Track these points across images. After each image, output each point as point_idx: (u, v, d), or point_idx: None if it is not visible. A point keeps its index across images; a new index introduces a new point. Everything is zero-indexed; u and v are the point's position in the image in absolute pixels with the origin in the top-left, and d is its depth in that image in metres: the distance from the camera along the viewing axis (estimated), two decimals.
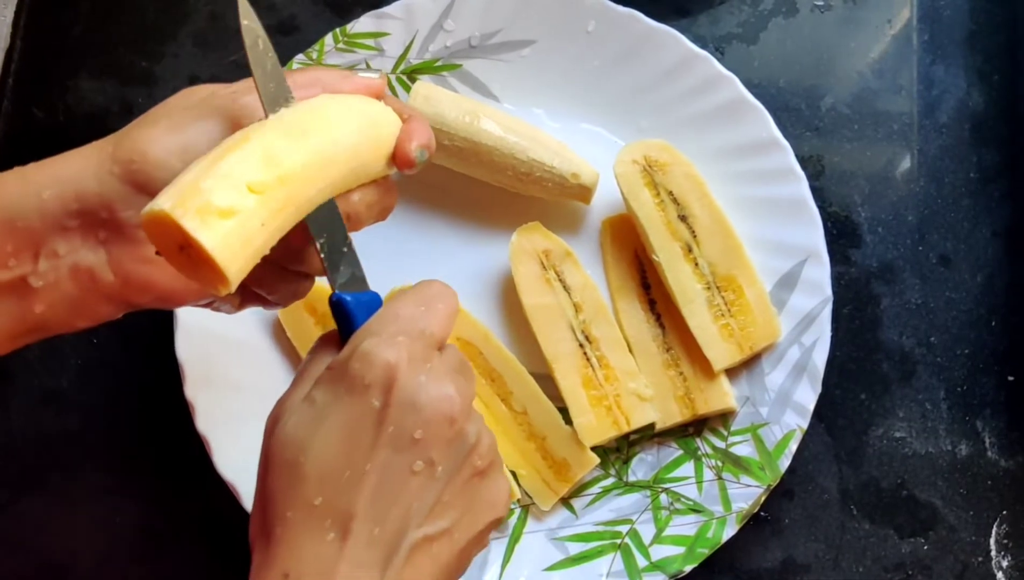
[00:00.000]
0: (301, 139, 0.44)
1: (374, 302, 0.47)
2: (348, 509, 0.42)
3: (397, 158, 0.49)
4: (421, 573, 0.43)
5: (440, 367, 0.44)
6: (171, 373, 0.63)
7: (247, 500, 0.62)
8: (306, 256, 0.49)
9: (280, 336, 0.66)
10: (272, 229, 0.43)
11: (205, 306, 0.51)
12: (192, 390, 0.63)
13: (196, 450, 0.62)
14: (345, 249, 0.48)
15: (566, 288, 0.64)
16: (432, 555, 0.43)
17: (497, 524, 0.46)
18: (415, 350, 0.43)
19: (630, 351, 0.65)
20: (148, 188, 0.45)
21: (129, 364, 0.68)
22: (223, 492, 0.62)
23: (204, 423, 0.62)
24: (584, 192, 0.65)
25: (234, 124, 0.46)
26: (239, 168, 0.42)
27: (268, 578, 0.42)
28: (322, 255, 0.47)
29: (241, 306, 0.52)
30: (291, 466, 0.42)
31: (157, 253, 0.42)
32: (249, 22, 0.47)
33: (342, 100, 0.47)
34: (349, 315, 0.46)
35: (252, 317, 0.66)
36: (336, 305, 0.46)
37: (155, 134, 0.46)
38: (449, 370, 0.44)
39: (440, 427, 0.43)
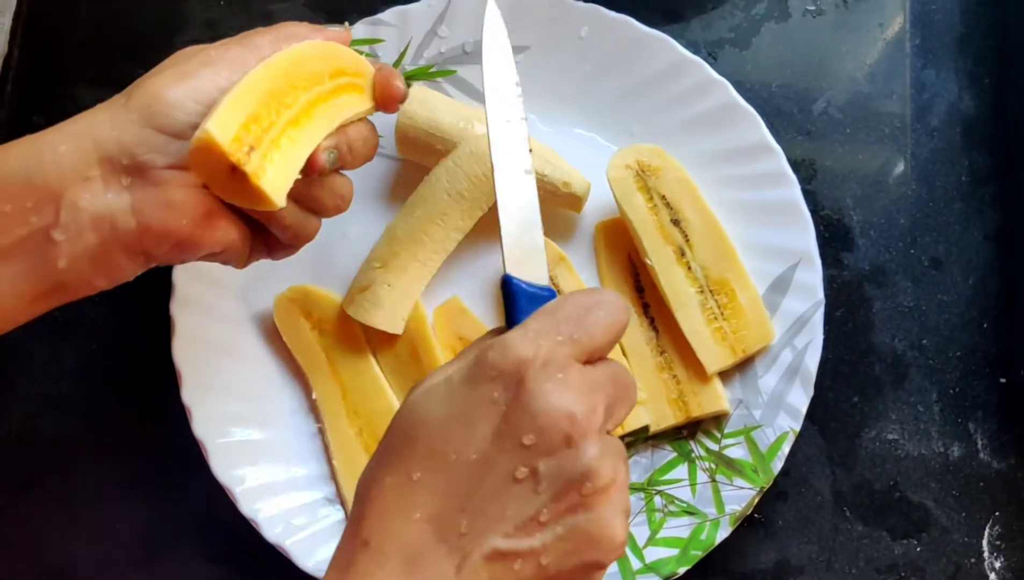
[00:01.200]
0: (290, 73, 0.50)
1: (544, 294, 0.48)
2: (442, 492, 0.42)
3: (381, 93, 0.54)
4: None
5: (575, 380, 0.42)
6: (169, 378, 0.64)
7: (243, 504, 0.62)
8: (315, 190, 0.53)
9: (276, 341, 0.66)
10: (297, 150, 0.49)
11: (216, 259, 0.52)
12: (189, 395, 0.63)
13: (194, 454, 0.63)
14: (537, 240, 0.49)
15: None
16: (514, 571, 0.41)
17: (599, 568, 0.43)
18: (554, 354, 0.42)
19: (624, 354, 0.65)
20: (168, 128, 0.48)
21: (127, 369, 0.68)
22: (220, 496, 0.62)
23: (201, 427, 0.63)
24: (575, 201, 0.66)
25: (230, 72, 0.49)
26: (256, 97, 0.48)
27: (350, 541, 0.43)
28: (503, 231, 0.49)
29: (249, 259, 0.54)
30: (406, 434, 0.43)
31: (204, 185, 0.48)
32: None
33: (318, 43, 0.53)
34: (514, 297, 0.47)
35: (248, 322, 0.66)
36: (505, 283, 0.47)
37: (165, 79, 0.49)
38: (586, 385, 0.43)
39: (553, 440, 0.41)
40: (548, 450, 0.41)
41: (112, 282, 0.50)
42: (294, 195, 0.51)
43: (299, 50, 0.51)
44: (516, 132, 0.52)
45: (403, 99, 0.55)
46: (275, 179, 0.48)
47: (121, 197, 0.48)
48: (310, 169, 0.51)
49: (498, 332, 0.47)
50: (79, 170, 0.47)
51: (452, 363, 0.45)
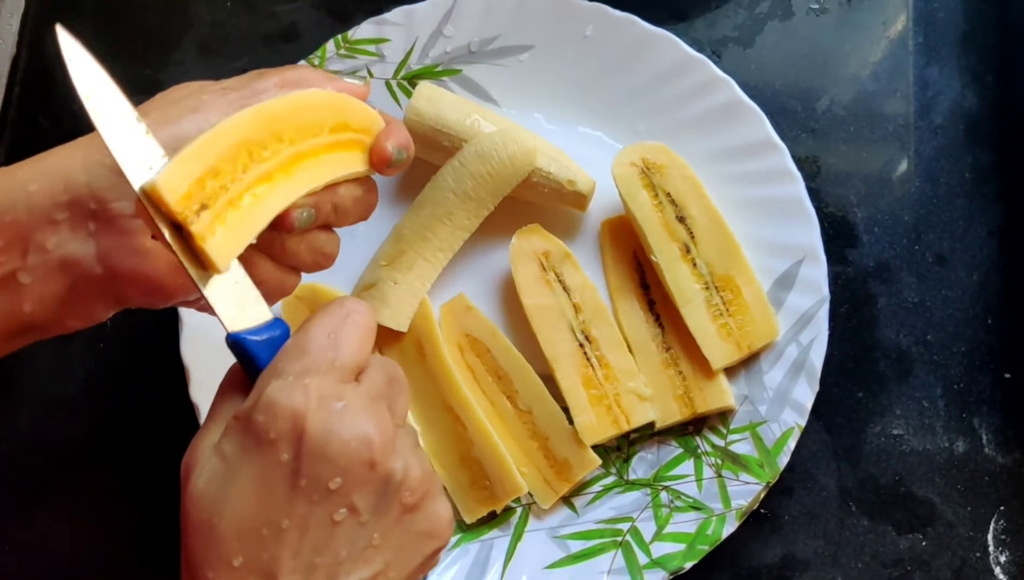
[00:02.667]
0: (278, 122, 0.45)
1: (278, 334, 0.44)
2: (270, 566, 0.40)
3: (374, 154, 0.49)
4: None
5: (355, 402, 0.41)
6: (176, 378, 0.64)
7: None
8: (293, 246, 0.49)
9: None
10: (260, 211, 0.44)
11: (192, 305, 0.51)
12: (197, 393, 0.64)
13: None
14: (241, 281, 0.45)
15: (566, 289, 0.65)
16: None
17: (440, 551, 0.44)
18: (324, 389, 0.40)
19: (629, 351, 0.65)
20: None
21: (135, 371, 0.69)
22: None
23: None
24: (580, 199, 0.66)
25: (222, 116, 0.45)
26: (221, 149, 0.43)
27: None
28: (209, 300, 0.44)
29: None
30: (206, 526, 0.40)
31: (153, 237, 0.43)
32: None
33: (324, 93, 0.48)
34: (251, 357, 0.43)
35: None
36: (234, 346, 0.43)
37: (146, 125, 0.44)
38: (367, 402, 0.41)
39: (359, 473, 0.40)
40: (357, 483, 0.40)
41: (86, 324, 0.48)
42: (270, 250, 0.48)
43: (299, 97, 0.47)
44: None
45: (396, 163, 0.50)
46: (223, 244, 0.43)
47: (87, 244, 0.45)
48: (279, 226, 0.46)
49: (234, 382, 0.44)
50: (47, 211, 0.45)
51: (208, 431, 0.42)
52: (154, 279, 0.46)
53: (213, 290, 0.43)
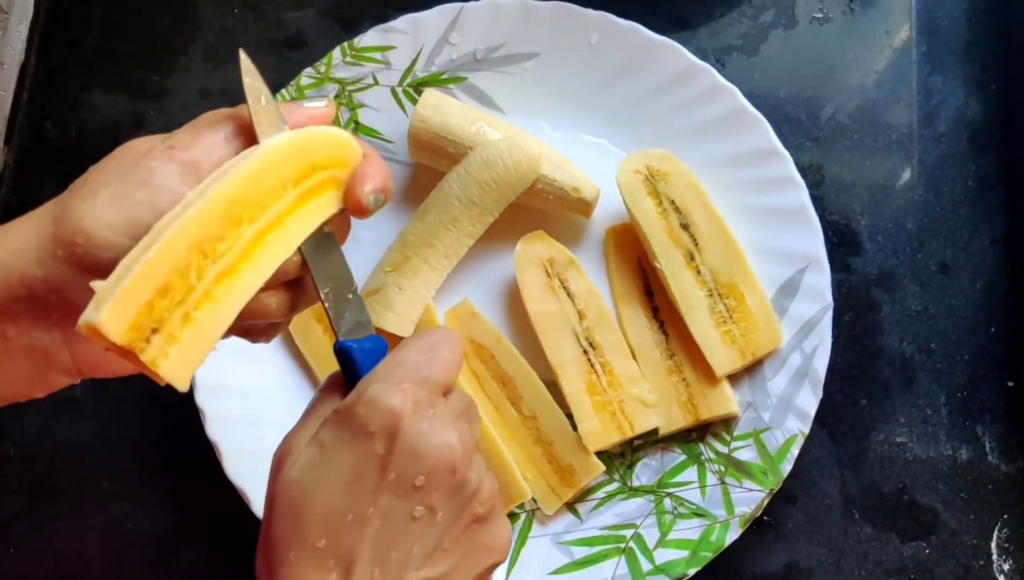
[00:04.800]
0: (234, 205, 0.42)
1: (379, 347, 0.47)
2: (350, 551, 0.42)
3: (349, 202, 0.46)
4: None
5: (444, 414, 0.44)
6: None
7: (257, 505, 0.62)
8: (264, 310, 0.47)
9: (289, 344, 0.67)
10: (219, 316, 0.42)
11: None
12: (203, 397, 0.64)
13: (206, 456, 0.63)
14: (351, 296, 0.48)
15: (570, 295, 0.65)
16: None
17: (495, 567, 0.46)
18: (419, 397, 0.43)
19: (633, 357, 0.65)
20: (96, 270, 0.42)
21: (141, 374, 0.69)
22: (233, 498, 0.63)
23: (214, 429, 0.63)
24: (584, 206, 0.66)
25: (173, 184, 0.43)
26: (169, 263, 0.41)
27: None
28: (327, 304, 0.47)
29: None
30: (296, 509, 0.43)
31: (106, 349, 0.40)
32: (252, 80, 0.46)
33: (281, 144, 0.44)
34: (354, 362, 0.46)
35: None
36: (341, 353, 0.47)
37: (96, 209, 0.43)
38: (453, 416, 0.44)
39: (441, 475, 0.43)
40: (439, 484, 0.43)
41: (51, 391, 0.48)
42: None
43: (254, 166, 0.43)
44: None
45: (374, 209, 0.47)
46: (178, 365, 0.41)
47: (51, 333, 0.45)
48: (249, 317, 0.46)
49: (336, 384, 0.47)
50: (5, 306, 0.44)
51: (305, 426, 0.45)
52: (122, 365, 0.44)
53: (329, 302, 0.47)
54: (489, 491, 0.45)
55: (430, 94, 0.67)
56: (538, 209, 0.67)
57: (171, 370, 0.41)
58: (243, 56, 0.46)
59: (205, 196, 0.42)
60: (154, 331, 0.41)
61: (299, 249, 0.46)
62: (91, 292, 0.40)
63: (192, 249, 0.41)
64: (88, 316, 0.39)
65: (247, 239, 0.43)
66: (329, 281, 0.47)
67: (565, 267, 0.66)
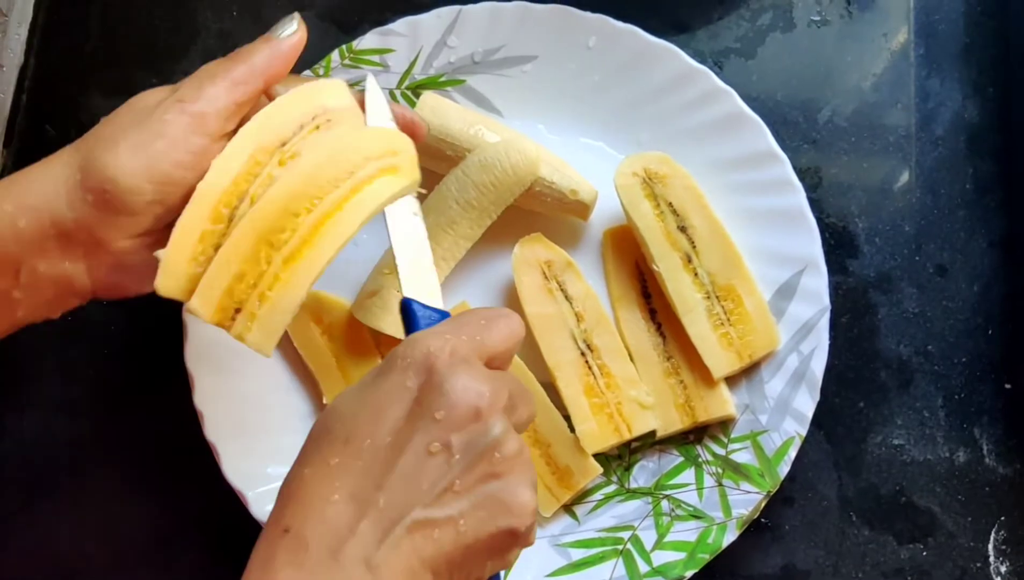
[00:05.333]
0: (294, 200, 0.51)
1: (440, 315, 0.52)
2: (359, 473, 0.43)
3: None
4: (420, 553, 0.43)
5: (480, 368, 0.46)
6: (180, 382, 0.65)
7: (254, 506, 0.63)
8: None
9: (287, 346, 0.67)
10: (289, 295, 0.50)
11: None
12: (201, 399, 0.64)
13: (205, 458, 0.64)
14: (430, 272, 0.54)
15: (568, 298, 0.65)
16: (434, 539, 0.43)
17: (513, 538, 0.45)
18: (460, 348, 0.45)
19: (631, 359, 0.65)
20: (125, 211, 0.50)
21: (139, 374, 0.69)
22: (231, 499, 0.63)
23: (212, 431, 0.64)
24: (582, 208, 0.66)
25: (187, 135, 0.50)
26: (241, 253, 0.50)
27: (270, 531, 0.44)
28: (400, 263, 0.53)
29: None
30: (324, 430, 0.45)
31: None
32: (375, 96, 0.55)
33: (342, 146, 0.52)
34: (414, 318, 0.51)
35: None
36: (404, 307, 0.51)
37: (120, 159, 0.49)
38: (492, 375, 0.46)
39: (462, 414, 0.44)
40: (459, 423, 0.44)
41: (64, 311, 0.54)
42: None
43: (310, 168, 0.51)
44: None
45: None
46: (260, 336, 0.51)
47: (77, 265, 0.51)
48: None
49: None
50: (37, 242, 0.50)
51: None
52: (136, 290, 0.53)
53: (401, 260, 0.53)
54: (513, 450, 0.45)
55: (428, 97, 0.67)
56: (536, 211, 0.68)
57: (255, 341, 0.50)
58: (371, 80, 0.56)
59: (266, 197, 0.50)
60: (237, 310, 0.50)
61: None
62: (120, 230, 0.49)
63: (259, 241, 0.50)
64: (189, 302, 0.50)
65: (307, 227, 0.50)
66: (406, 245, 0.54)
67: (563, 269, 0.66)
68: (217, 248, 0.50)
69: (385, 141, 0.53)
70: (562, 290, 0.65)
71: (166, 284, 0.50)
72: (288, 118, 0.52)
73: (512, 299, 0.67)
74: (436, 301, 0.53)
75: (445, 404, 0.44)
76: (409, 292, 0.52)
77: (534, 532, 0.47)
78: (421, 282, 0.53)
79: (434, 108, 0.66)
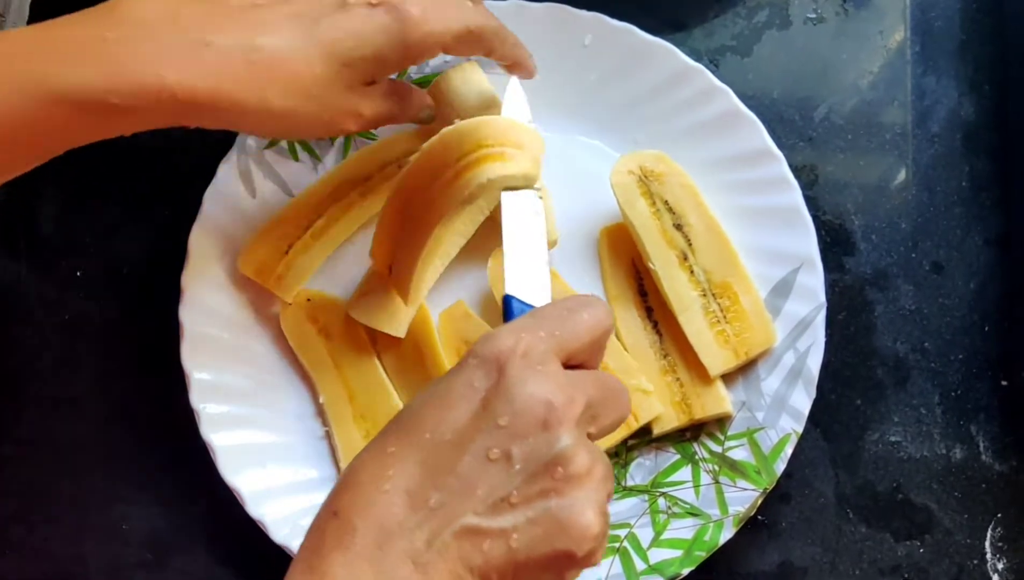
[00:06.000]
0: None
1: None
2: (414, 466, 0.42)
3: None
4: (468, 561, 0.41)
5: (554, 373, 0.43)
6: (178, 381, 0.65)
7: (251, 506, 0.63)
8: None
9: (283, 345, 0.67)
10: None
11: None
12: (197, 398, 0.64)
13: (202, 457, 0.64)
14: (542, 270, 0.53)
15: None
16: (483, 550, 0.41)
17: (570, 561, 0.42)
18: (534, 346, 0.43)
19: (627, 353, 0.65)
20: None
21: (137, 373, 0.69)
22: (229, 498, 0.63)
23: (209, 430, 0.64)
24: None
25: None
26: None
27: (322, 512, 0.43)
28: (507, 258, 0.53)
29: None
30: (394, 419, 0.45)
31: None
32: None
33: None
34: (510, 315, 0.50)
35: (256, 326, 0.67)
36: (505, 303, 0.51)
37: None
38: (567, 380, 0.44)
39: (527, 423, 0.42)
40: (523, 432, 0.42)
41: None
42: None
43: (424, 149, 0.59)
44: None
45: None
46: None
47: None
48: None
49: None
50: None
51: None
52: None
53: (508, 255, 0.53)
54: (582, 468, 0.42)
55: (470, 67, 0.66)
56: None
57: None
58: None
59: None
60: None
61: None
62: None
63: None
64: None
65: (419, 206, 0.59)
66: (518, 239, 0.54)
67: None
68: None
69: (503, 130, 0.57)
70: None
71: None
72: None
73: (495, 314, 0.67)
74: (540, 298, 0.52)
75: (510, 411, 0.42)
76: (512, 289, 0.52)
77: (599, 555, 0.44)
78: (527, 279, 0.52)
79: (465, 78, 0.66)
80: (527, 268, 0.53)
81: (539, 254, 0.54)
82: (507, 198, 0.56)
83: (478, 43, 0.57)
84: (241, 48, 0.48)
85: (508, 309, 0.51)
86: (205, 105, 0.49)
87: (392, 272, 0.62)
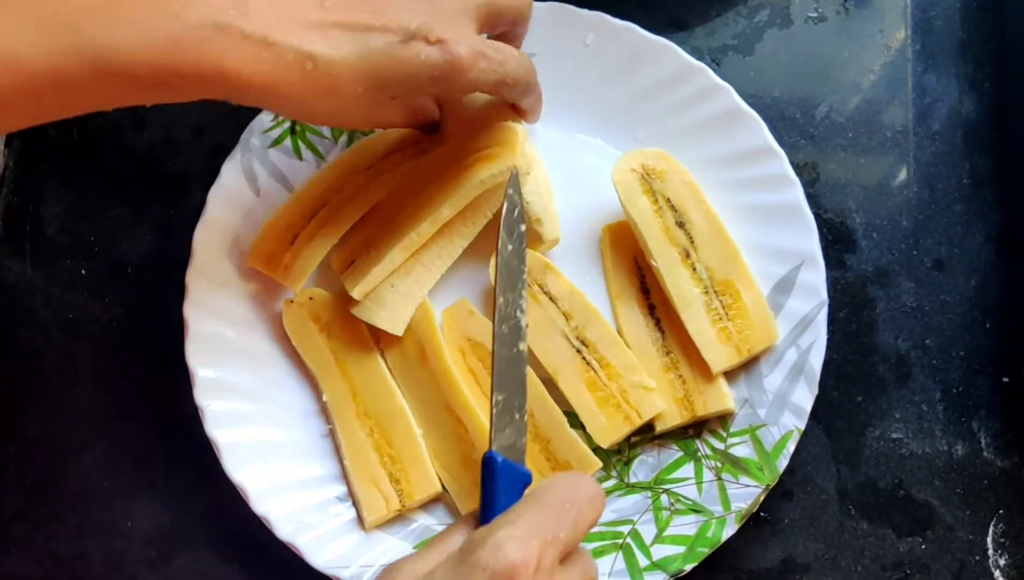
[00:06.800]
0: None
1: (522, 477, 0.51)
2: None
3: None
4: None
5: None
6: (181, 379, 0.65)
7: (255, 503, 0.63)
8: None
9: (286, 343, 0.67)
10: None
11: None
12: (201, 396, 0.64)
13: (206, 455, 0.64)
14: (518, 416, 0.54)
15: (552, 299, 0.65)
16: None
17: None
18: (545, 558, 0.44)
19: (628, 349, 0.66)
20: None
21: (140, 371, 0.69)
22: (233, 496, 0.63)
23: (213, 428, 0.64)
24: (536, 238, 0.66)
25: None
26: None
27: None
28: (494, 410, 0.53)
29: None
30: None
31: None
32: (514, 192, 0.58)
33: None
34: (495, 477, 0.49)
35: (260, 324, 0.67)
36: (487, 461, 0.50)
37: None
38: None
39: None
40: None
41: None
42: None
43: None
44: (517, 312, 0.58)
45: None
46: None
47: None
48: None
49: (472, 519, 0.51)
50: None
51: (428, 554, 0.48)
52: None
53: (498, 416, 0.54)
54: None
55: None
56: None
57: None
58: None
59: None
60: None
61: (492, 351, 0.56)
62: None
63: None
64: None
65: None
66: (505, 391, 0.54)
67: (541, 273, 0.66)
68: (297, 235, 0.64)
69: (484, 135, 0.62)
70: (545, 293, 0.66)
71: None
72: None
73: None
74: (520, 452, 0.53)
75: None
76: (498, 444, 0.53)
77: None
78: (511, 433, 0.53)
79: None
80: (511, 421, 0.54)
81: (522, 404, 0.55)
82: (502, 354, 0.56)
83: (509, 92, 0.58)
84: (297, 54, 0.49)
85: (492, 469, 0.51)
86: (252, 94, 0.50)
87: (351, 266, 0.63)
